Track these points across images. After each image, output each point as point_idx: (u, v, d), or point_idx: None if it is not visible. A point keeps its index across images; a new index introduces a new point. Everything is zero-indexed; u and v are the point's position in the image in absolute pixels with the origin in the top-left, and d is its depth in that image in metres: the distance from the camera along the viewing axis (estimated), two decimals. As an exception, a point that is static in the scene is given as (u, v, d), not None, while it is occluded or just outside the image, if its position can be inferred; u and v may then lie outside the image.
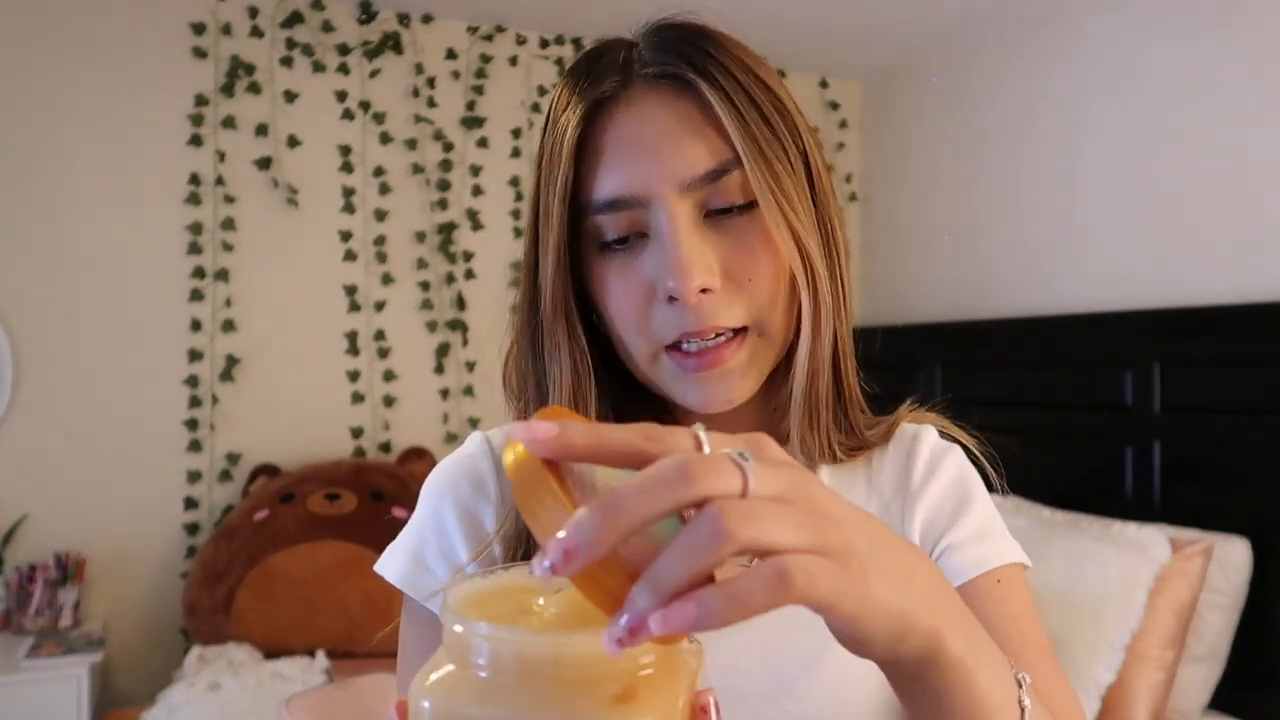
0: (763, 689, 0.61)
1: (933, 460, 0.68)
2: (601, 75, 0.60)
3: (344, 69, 2.92)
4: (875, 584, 0.35)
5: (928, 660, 0.39)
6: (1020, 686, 0.43)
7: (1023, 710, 0.43)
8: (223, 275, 2.77)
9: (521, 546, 0.63)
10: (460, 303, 3.05)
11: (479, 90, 3.08)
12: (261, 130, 2.82)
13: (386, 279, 2.98)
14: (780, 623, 0.62)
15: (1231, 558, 2.10)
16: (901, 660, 0.39)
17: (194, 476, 2.75)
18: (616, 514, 0.31)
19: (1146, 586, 2.00)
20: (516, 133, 3.14)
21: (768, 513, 0.33)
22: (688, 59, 0.58)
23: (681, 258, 0.55)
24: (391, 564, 0.67)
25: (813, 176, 0.61)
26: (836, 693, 0.62)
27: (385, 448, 2.97)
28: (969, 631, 0.40)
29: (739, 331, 0.58)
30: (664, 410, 0.66)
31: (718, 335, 0.57)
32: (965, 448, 0.70)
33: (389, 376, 2.98)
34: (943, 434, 0.70)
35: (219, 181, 2.77)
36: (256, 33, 2.80)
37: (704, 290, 0.56)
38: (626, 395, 0.64)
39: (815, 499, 0.35)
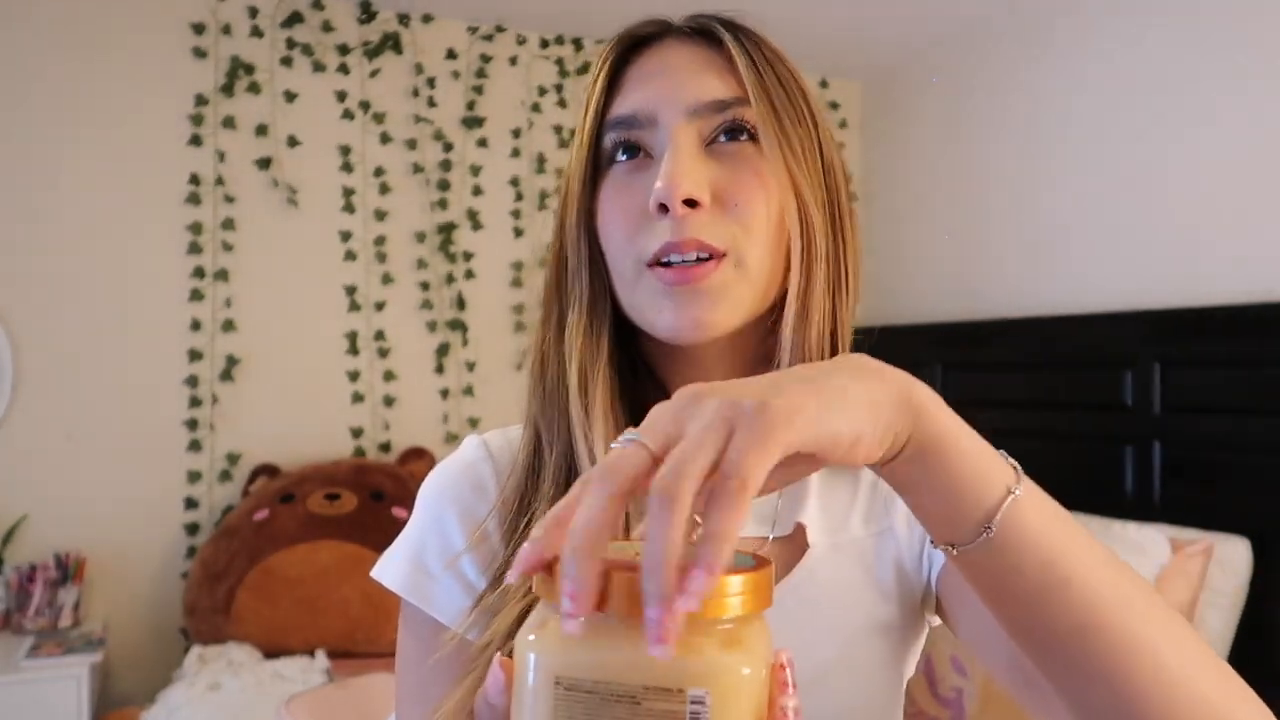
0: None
1: None
2: (642, 25, 0.66)
3: (344, 69, 2.92)
4: (794, 399, 0.38)
5: (906, 452, 0.43)
6: (1016, 471, 0.45)
7: (1014, 468, 0.45)
8: (223, 275, 2.77)
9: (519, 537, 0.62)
10: (460, 303, 3.05)
11: (479, 90, 3.08)
12: (261, 130, 2.82)
13: (386, 279, 2.98)
14: (814, 619, 0.63)
15: (1231, 558, 2.10)
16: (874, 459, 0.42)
17: (194, 476, 2.75)
18: (582, 540, 0.34)
19: (1146, 586, 2.00)
20: (516, 133, 3.14)
21: (684, 454, 0.36)
22: (720, 21, 0.64)
23: (674, 169, 0.58)
24: (391, 570, 0.66)
25: (824, 155, 0.63)
26: (867, 684, 0.63)
27: (385, 448, 2.97)
28: (923, 417, 0.43)
29: (716, 256, 0.59)
30: (652, 366, 0.67)
31: (699, 259, 0.59)
32: None
33: (389, 376, 2.98)
34: None
35: (219, 181, 2.77)
36: (256, 33, 2.80)
37: (690, 203, 0.58)
38: (629, 345, 0.66)
39: (704, 404, 0.38)
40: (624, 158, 0.62)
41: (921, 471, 0.43)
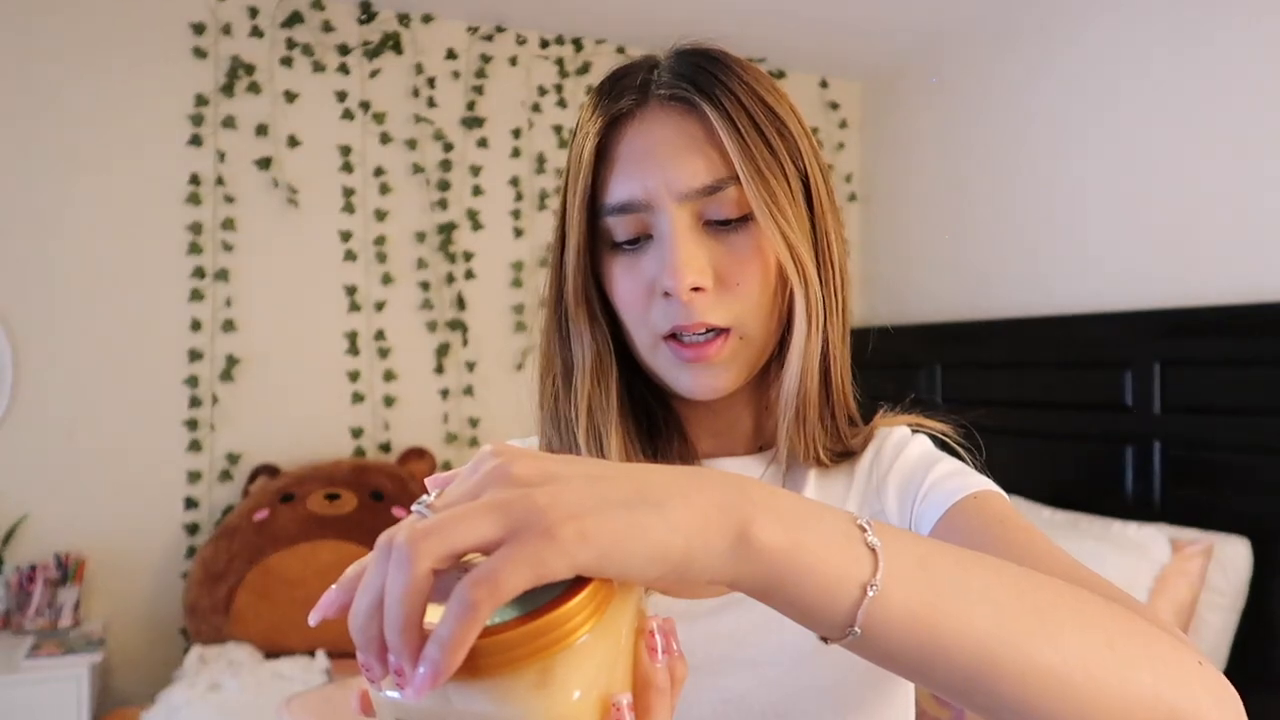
0: (794, 656, 0.65)
1: (898, 446, 0.72)
2: (621, 93, 0.68)
3: (344, 69, 2.92)
4: (590, 528, 0.35)
5: (727, 559, 0.39)
6: (864, 530, 0.42)
7: (874, 552, 0.41)
8: (223, 275, 2.77)
9: None
10: (460, 303, 3.05)
11: (479, 90, 3.08)
12: (261, 130, 2.82)
13: (386, 279, 2.98)
14: None
15: (1231, 558, 2.10)
16: (706, 572, 0.39)
17: (194, 476, 2.75)
18: (372, 619, 0.35)
19: (1146, 587, 2.00)
20: (516, 133, 3.14)
21: (452, 517, 0.35)
22: (697, 84, 0.65)
23: (678, 260, 0.63)
24: None
25: (810, 192, 0.67)
26: (856, 661, 0.64)
27: (385, 448, 2.97)
28: (750, 516, 0.39)
29: (723, 331, 0.65)
30: (664, 394, 0.72)
31: (707, 331, 0.64)
32: (945, 435, 0.74)
33: (389, 376, 2.98)
34: (915, 430, 0.75)
35: (219, 181, 2.77)
36: (256, 33, 2.80)
37: (696, 289, 0.63)
38: (639, 378, 0.72)
39: (511, 476, 0.37)
40: (628, 245, 0.66)
41: (766, 593, 0.41)
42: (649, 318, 0.66)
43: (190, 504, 2.74)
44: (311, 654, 2.41)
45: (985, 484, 0.66)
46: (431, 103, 3.03)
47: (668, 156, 0.64)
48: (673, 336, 0.65)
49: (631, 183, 0.65)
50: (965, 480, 0.66)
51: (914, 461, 0.70)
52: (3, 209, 2.56)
